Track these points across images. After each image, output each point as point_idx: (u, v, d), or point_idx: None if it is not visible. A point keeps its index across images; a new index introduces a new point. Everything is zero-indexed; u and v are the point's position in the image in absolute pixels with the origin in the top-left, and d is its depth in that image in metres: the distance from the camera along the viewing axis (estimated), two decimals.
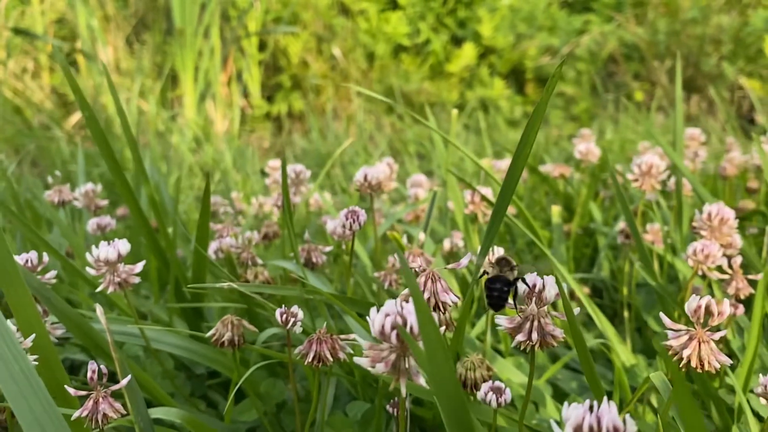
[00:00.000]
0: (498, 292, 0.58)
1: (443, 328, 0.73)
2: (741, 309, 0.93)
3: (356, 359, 0.43)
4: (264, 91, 5.00)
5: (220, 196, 1.54)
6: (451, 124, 1.18)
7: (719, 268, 0.94)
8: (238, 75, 4.89)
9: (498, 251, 0.67)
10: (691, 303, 0.55)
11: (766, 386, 0.70)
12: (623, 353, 0.95)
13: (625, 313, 1.10)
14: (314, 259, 0.90)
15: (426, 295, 0.52)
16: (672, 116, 4.18)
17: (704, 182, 1.68)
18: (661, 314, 0.58)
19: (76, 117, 4.28)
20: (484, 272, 0.60)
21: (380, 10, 5.29)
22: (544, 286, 0.54)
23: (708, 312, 0.54)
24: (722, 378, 0.95)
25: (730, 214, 0.90)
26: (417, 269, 0.58)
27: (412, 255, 0.89)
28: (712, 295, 1.05)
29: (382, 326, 0.42)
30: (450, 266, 0.56)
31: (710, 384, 0.88)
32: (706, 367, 0.54)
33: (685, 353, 0.54)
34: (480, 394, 0.63)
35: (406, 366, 0.43)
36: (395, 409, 0.70)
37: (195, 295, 0.98)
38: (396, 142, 3.48)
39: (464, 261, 0.56)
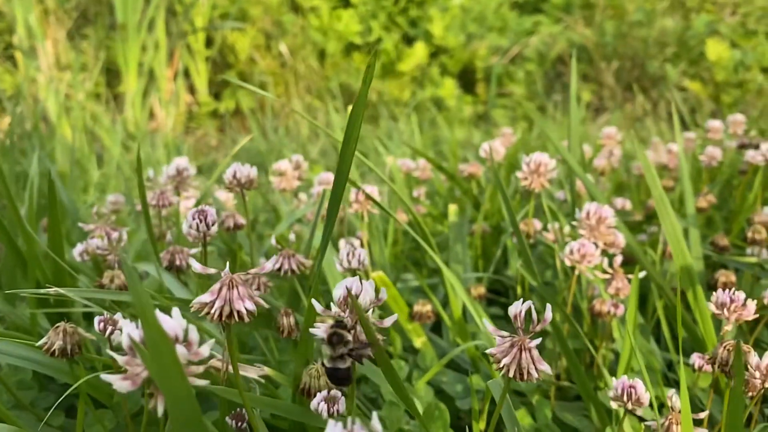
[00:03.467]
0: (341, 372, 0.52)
1: (286, 333, 0.70)
2: (621, 309, 0.92)
3: (103, 375, 0.39)
4: (211, 87, 4.89)
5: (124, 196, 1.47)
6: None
7: (600, 268, 0.93)
8: (184, 71, 4.77)
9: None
10: (513, 308, 0.52)
11: (617, 389, 0.68)
12: None
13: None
14: (178, 262, 0.85)
15: (218, 304, 0.48)
16: (615, 115, 4.24)
17: (619, 181, 1.69)
18: (485, 320, 0.55)
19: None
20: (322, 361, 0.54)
21: (332, 7, 5.24)
22: (359, 294, 0.50)
23: (528, 318, 0.52)
24: (605, 378, 0.94)
25: (608, 213, 0.88)
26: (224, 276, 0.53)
27: (282, 256, 0.85)
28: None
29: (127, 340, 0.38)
30: (253, 271, 0.52)
31: (589, 385, 0.86)
32: (525, 377, 0.51)
33: (505, 361, 0.51)
34: (312, 404, 0.60)
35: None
36: (234, 421, 0.65)
37: (60, 300, 0.92)
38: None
39: (268, 265, 0.53)
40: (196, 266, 0.51)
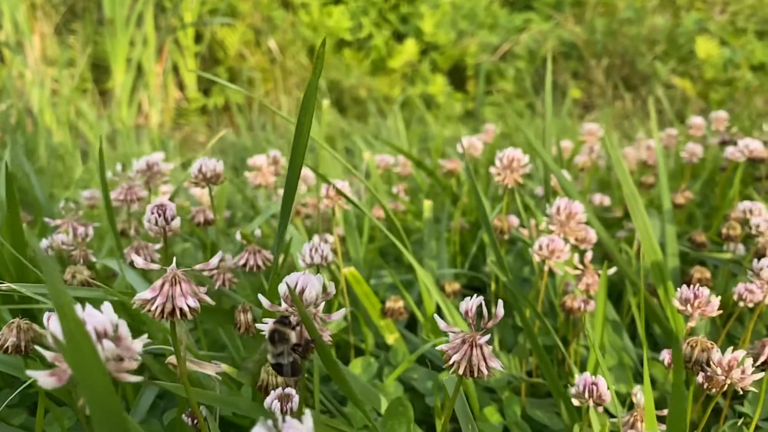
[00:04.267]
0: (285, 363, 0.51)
1: (243, 329, 0.69)
2: (592, 305, 0.91)
3: (30, 371, 0.38)
4: (200, 83, 4.86)
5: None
6: (323, 118, 1.13)
7: (571, 264, 0.93)
8: (173, 67, 4.74)
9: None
10: (463, 304, 0.52)
11: (579, 386, 0.67)
12: None
13: (492, 309, 1.07)
14: (142, 257, 0.84)
15: (160, 301, 0.47)
16: (605, 112, 4.24)
17: (600, 178, 1.69)
18: (435, 316, 0.54)
19: None
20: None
21: (322, 3, 5.22)
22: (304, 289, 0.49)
23: (480, 313, 0.51)
24: (575, 375, 0.93)
25: (578, 208, 0.88)
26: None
27: (248, 252, 0.84)
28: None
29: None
30: (198, 267, 0.51)
31: (558, 382, 0.86)
32: (476, 374, 0.50)
33: (455, 358, 0.50)
34: (266, 402, 0.59)
35: None
36: (190, 419, 0.64)
37: (25, 297, 0.91)
38: (330, 138, 3.42)
39: (214, 260, 0.52)
40: (138, 261, 0.50)
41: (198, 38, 4.88)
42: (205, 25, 4.78)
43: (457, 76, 5.07)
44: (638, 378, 1.01)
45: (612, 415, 0.88)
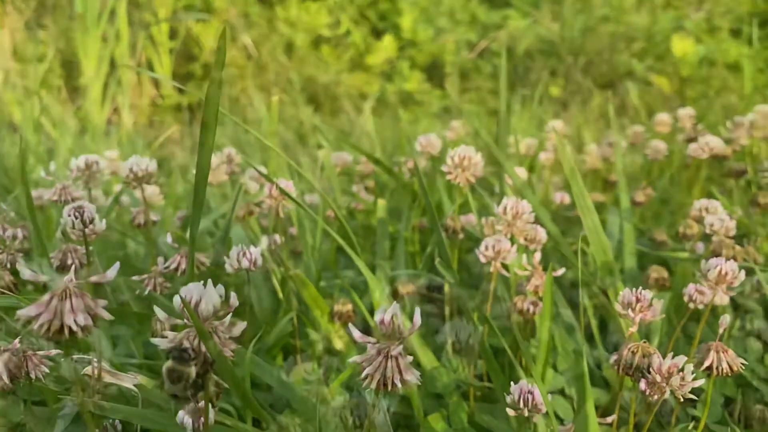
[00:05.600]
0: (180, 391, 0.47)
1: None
2: (540, 307, 0.89)
3: None
4: (175, 80, 4.78)
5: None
6: (272, 113, 1.09)
7: (520, 265, 0.90)
8: (147, 63, 4.65)
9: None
10: (378, 313, 0.49)
11: (514, 395, 0.65)
12: (424, 356, 0.89)
13: (446, 311, 1.05)
14: (69, 261, 0.80)
15: (45, 318, 0.43)
16: (581, 110, 4.25)
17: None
18: (350, 326, 0.51)
19: None
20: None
21: (301, 0, 5.16)
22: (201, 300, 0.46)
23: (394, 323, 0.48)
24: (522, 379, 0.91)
25: (525, 207, 0.85)
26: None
27: (179, 255, 0.80)
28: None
29: None
30: (94, 278, 0.48)
31: (507, 386, 0.83)
32: (390, 387, 0.47)
33: (368, 371, 0.47)
34: (178, 417, 0.55)
35: None
36: None
37: None
38: (304, 135, 3.38)
39: (110, 273, 0.48)
40: (25, 272, 0.47)
41: (173, 34, 4.80)
42: (180, 21, 4.71)
43: (436, 73, 5.05)
44: (592, 381, 0.99)
45: (561, 421, 0.86)
